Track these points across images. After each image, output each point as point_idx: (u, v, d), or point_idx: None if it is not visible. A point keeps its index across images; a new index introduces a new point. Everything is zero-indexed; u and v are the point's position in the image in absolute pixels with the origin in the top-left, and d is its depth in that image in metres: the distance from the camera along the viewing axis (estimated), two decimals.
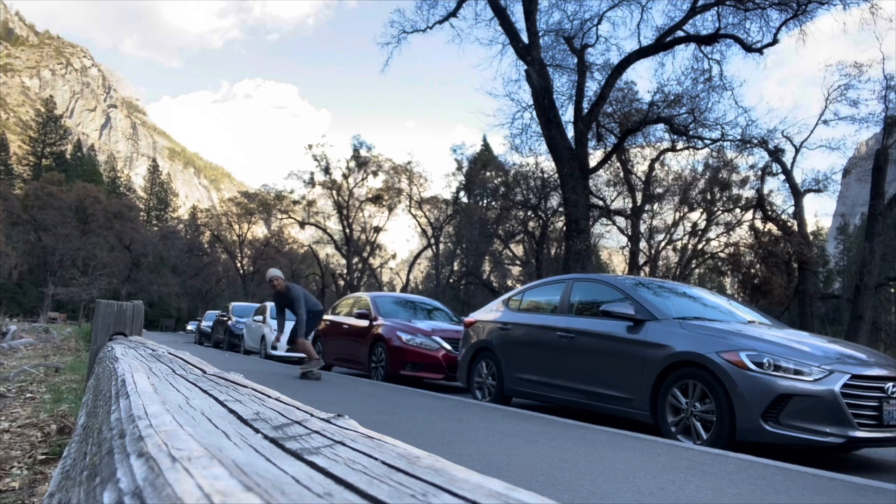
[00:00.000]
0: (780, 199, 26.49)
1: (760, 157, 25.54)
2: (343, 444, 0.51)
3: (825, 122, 23.07)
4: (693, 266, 31.63)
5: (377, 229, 43.24)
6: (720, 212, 29.26)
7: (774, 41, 16.03)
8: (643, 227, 30.87)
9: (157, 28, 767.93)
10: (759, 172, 26.09)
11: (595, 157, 20.66)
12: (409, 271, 45.94)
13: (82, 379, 5.75)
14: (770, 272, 24.04)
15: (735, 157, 27.00)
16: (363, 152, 40.60)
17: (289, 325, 8.85)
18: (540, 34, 16.77)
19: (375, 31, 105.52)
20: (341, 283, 42.21)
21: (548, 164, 27.08)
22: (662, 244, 32.46)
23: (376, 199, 41.63)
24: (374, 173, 41.13)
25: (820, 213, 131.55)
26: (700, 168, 29.09)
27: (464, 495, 0.34)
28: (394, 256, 49.41)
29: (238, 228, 49.38)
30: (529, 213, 31.70)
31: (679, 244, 31.89)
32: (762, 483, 3.22)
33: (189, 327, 36.90)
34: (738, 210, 28.25)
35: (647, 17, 17.93)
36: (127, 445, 0.50)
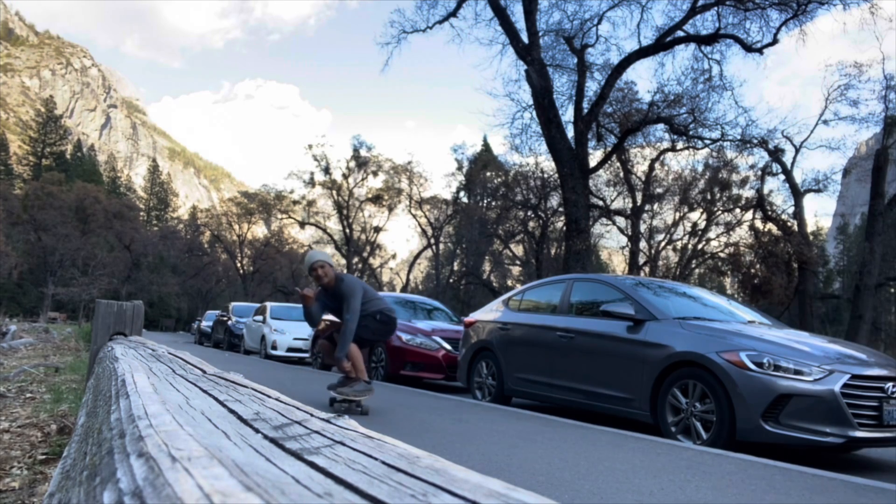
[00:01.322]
0: (780, 199, 26.50)
1: (760, 157, 25.56)
2: (343, 444, 0.51)
3: (825, 122, 23.10)
4: (693, 266, 31.59)
5: (377, 229, 43.25)
6: (720, 212, 29.21)
7: (774, 41, 16.05)
8: (643, 227, 30.85)
9: (157, 28, 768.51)
10: (759, 172, 26.08)
11: (595, 157, 20.69)
12: (409, 271, 45.95)
13: (82, 379, 5.75)
14: (770, 272, 24.04)
15: (735, 157, 26.99)
16: (363, 152, 40.66)
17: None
18: (540, 34, 16.78)
19: (376, 32, 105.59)
20: None
21: (548, 164, 27.10)
22: (662, 244, 32.44)
23: (376, 199, 41.65)
24: (374, 173, 41.17)
25: (820, 213, 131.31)
26: (700, 168, 29.07)
27: (464, 495, 0.34)
28: (394, 256, 49.40)
29: (238, 228, 49.37)
30: (529, 213, 31.68)
31: (679, 244, 31.85)
32: (762, 483, 3.22)
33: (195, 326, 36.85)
34: (738, 210, 28.20)
35: (647, 17, 17.96)
36: (127, 445, 0.50)
